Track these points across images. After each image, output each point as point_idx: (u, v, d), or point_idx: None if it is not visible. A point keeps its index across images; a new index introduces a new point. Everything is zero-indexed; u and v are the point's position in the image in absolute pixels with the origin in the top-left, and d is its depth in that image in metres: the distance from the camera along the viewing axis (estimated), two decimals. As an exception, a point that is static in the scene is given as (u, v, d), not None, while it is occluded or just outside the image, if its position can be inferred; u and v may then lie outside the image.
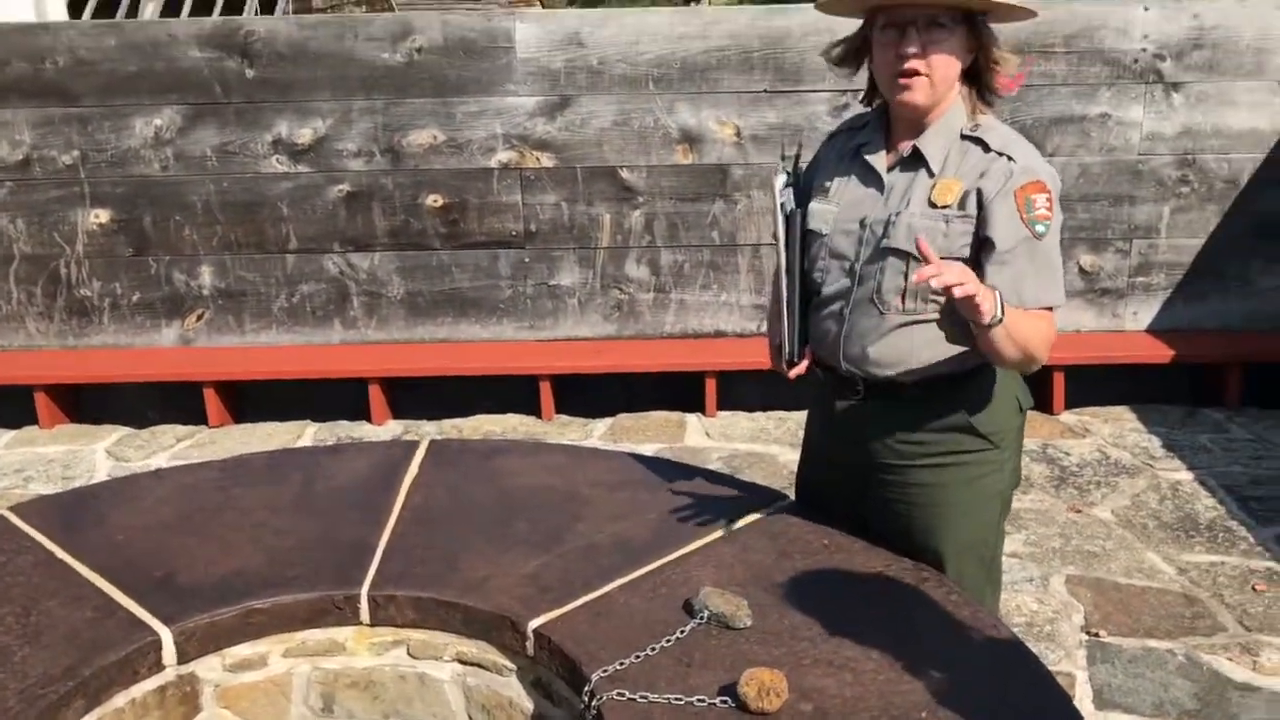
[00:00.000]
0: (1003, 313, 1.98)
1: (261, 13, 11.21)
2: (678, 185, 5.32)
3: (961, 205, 2.09)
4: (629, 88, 5.20)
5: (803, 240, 2.26)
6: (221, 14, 10.11)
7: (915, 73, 2.07)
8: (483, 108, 5.24)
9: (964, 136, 2.12)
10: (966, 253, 2.10)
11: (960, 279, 1.91)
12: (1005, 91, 2.16)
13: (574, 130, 5.25)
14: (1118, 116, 5.18)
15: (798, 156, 2.33)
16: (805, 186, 2.31)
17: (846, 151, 2.27)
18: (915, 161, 2.15)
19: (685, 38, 5.14)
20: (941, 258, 2.06)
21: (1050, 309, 2.12)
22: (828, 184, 2.26)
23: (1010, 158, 2.08)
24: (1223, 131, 5.19)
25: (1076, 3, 5.17)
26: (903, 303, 2.14)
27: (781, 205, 2.25)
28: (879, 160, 2.20)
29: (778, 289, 2.31)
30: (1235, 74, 5.12)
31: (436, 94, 5.22)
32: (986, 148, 2.10)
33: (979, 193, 2.08)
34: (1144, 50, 5.09)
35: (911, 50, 2.05)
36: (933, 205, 2.11)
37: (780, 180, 2.27)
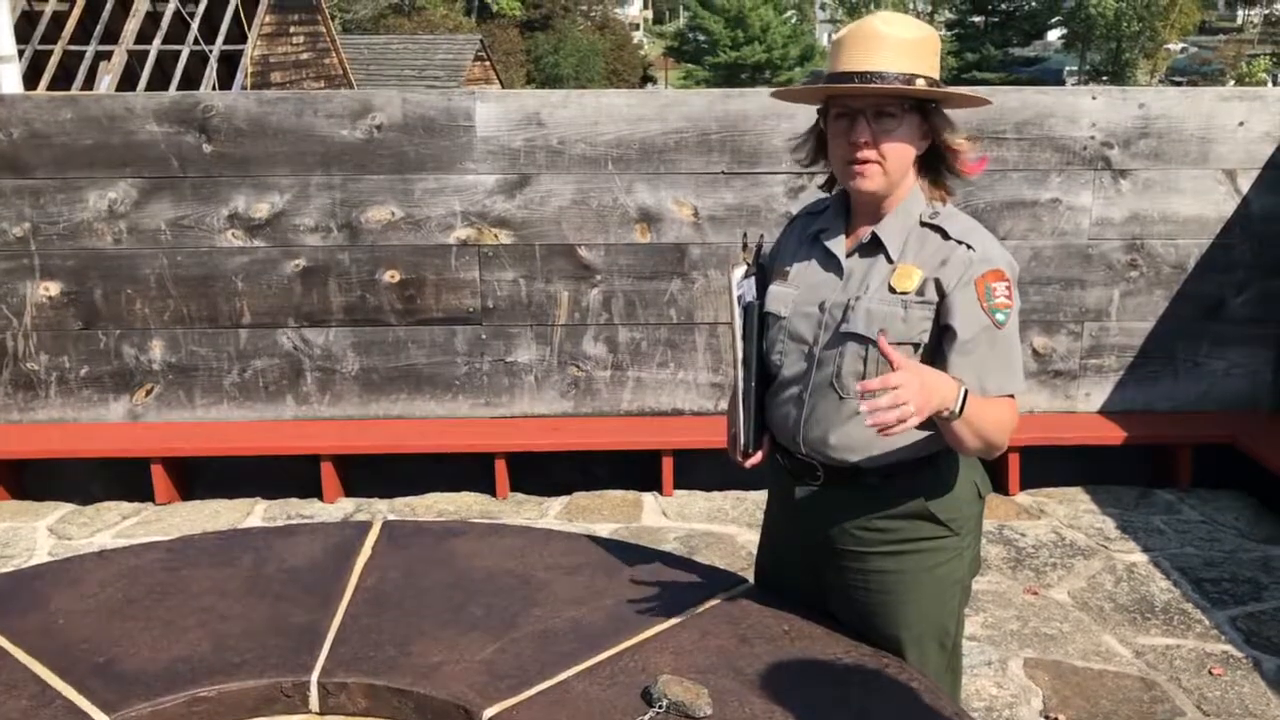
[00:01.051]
0: (961, 408, 1.98)
1: (220, 88, 11.23)
2: (636, 264, 5.34)
3: (920, 292, 2.10)
4: (588, 167, 5.24)
5: (761, 323, 2.27)
6: (179, 89, 10.12)
7: (868, 160, 2.09)
8: (442, 185, 5.25)
9: (923, 224, 2.14)
10: (925, 338, 2.11)
11: (900, 414, 1.84)
12: (970, 174, 2.19)
13: (533, 208, 5.27)
14: (1068, 202, 5.28)
15: (759, 247, 2.34)
16: (767, 268, 2.32)
17: (806, 236, 2.29)
18: (874, 248, 2.17)
19: (644, 119, 5.19)
20: (900, 343, 2.08)
21: (1012, 395, 2.13)
22: (788, 268, 2.27)
23: (969, 245, 2.10)
24: (1169, 218, 5.30)
25: (1027, 91, 5.29)
26: None
27: (740, 297, 2.26)
28: (838, 245, 2.21)
29: (735, 379, 2.31)
30: (1181, 162, 5.25)
31: (395, 171, 5.23)
32: (946, 235, 2.12)
33: (938, 281, 2.09)
34: (1092, 138, 5.21)
35: (862, 139, 2.08)
36: (892, 291, 2.12)
37: (739, 272, 2.28)
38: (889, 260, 2.14)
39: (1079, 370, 5.47)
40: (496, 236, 5.30)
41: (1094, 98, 5.23)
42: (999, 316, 2.08)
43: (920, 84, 2.06)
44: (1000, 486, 5.21)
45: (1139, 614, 4.12)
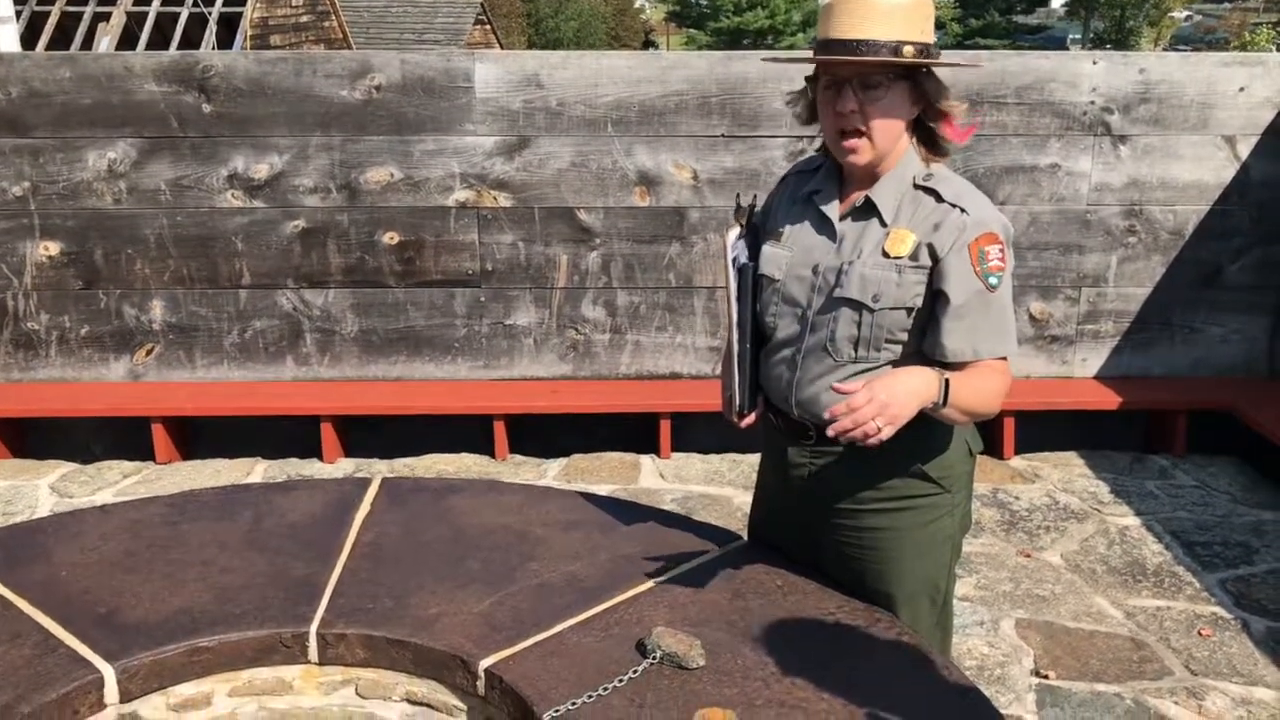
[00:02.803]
0: (945, 398, 2.01)
1: (219, 48, 11.18)
2: (634, 227, 5.35)
3: (914, 256, 2.11)
4: (587, 129, 5.23)
5: (755, 286, 2.28)
6: (178, 49, 10.07)
7: (856, 133, 2.09)
8: (441, 146, 5.25)
9: (916, 186, 2.14)
10: (919, 302, 2.12)
11: (865, 431, 1.89)
12: (956, 141, 2.18)
13: (532, 170, 5.27)
14: (1067, 167, 5.28)
15: (752, 207, 2.34)
16: (759, 227, 2.33)
17: (800, 196, 2.29)
18: (867, 211, 2.17)
19: (644, 81, 5.18)
20: (894, 308, 2.11)
21: (1004, 358, 2.15)
22: (781, 229, 2.28)
23: (963, 209, 2.10)
24: (1168, 184, 5.30)
25: (1028, 55, 5.27)
26: (855, 350, 2.16)
27: (734, 259, 2.26)
28: (832, 209, 2.22)
29: (730, 341, 2.32)
30: (1180, 128, 5.24)
31: (394, 132, 5.23)
32: (939, 198, 2.12)
33: (931, 246, 2.10)
34: (1092, 103, 5.20)
35: (849, 108, 2.08)
36: (885, 255, 2.12)
37: (733, 234, 2.28)
38: (882, 224, 2.15)
39: (1075, 336, 5.49)
40: (495, 199, 5.30)
41: (1095, 62, 5.22)
42: (991, 280, 2.08)
43: (908, 51, 2.04)
44: (995, 450, 5.24)
45: (1130, 576, 4.15)
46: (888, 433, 1.91)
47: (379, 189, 5.29)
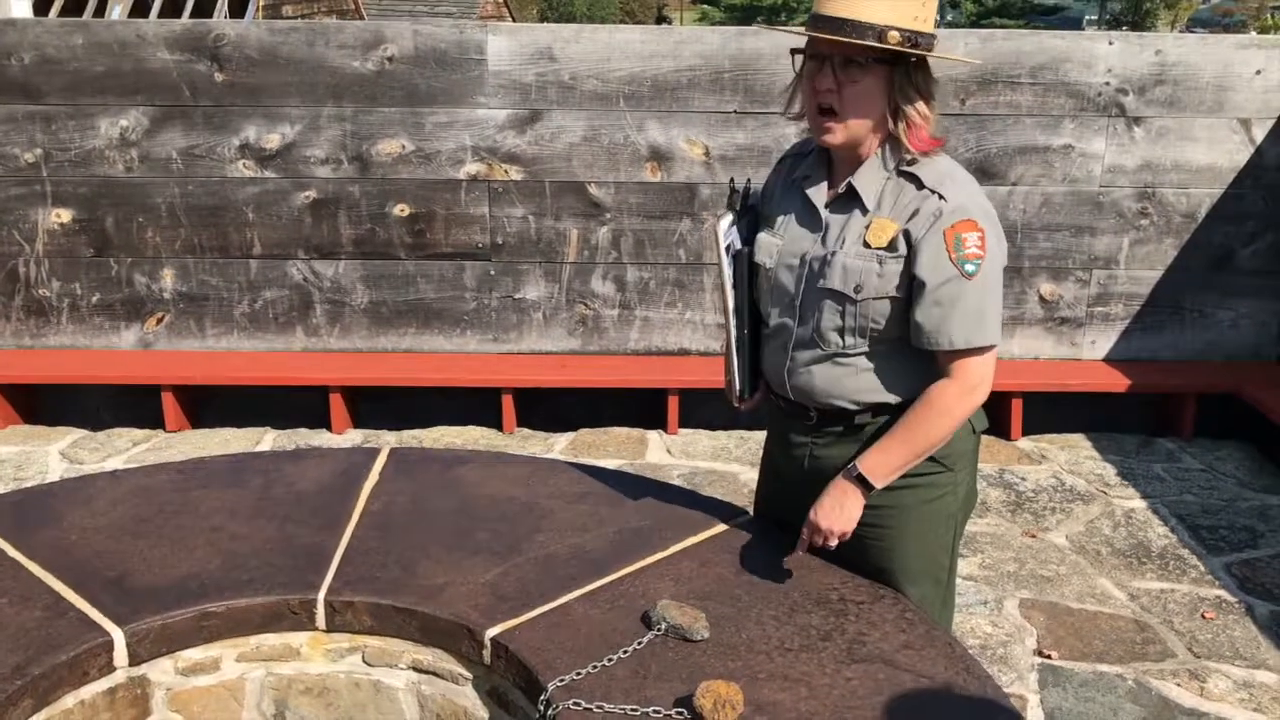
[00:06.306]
0: (872, 484, 2.16)
1: (231, 18, 11.15)
2: (645, 202, 5.34)
3: (893, 246, 2.09)
4: (600, 104, 5.22)
5: (751, 270, 2.28)
6: (191, 18, 10.06)
7: (831, 112, 2.07)
8: (452, 119, 5.24)
9: (900, 173, 2.11)
10: (901, 292, 2.11)
11: (823, 545, 2.20)
12: (916, 149, 2.08)
13: (543, 144, 5.26)
14: (1080, 148, 5.25)
15: (747, 191, 2.33)
16: (758, 210, 2.33)
17: (791, 183, 2.27)
18: (850, 199, 2.15)
19: (657, 56, 5.17)
20: (876, 298, 2.10)
21: (983, 349, 2.10)
22: (775, 215, 2.27)
23: (941, 195, 2.06)
24: (1182, 166, 5.28)
25: (1043, 35, 5.24)
26: (842, 339, 2.16)
27: (727, 247, 2.26)
28: (818, 195, 2.20)
29: (728, 328, 2.33)
30: (1195, 110, 5.22)
31: (406, 103, 5.22)
32: (920, 184, 2.08)
33: (907, 233, 2.07)
34: (1107, 84, 5.18)
35: (825, 86, 2.05)
36: (867, 246, 2.10)
37: (725, 221, 2.26)
38: (864, 212, 2.12)
39: (1085, 318, 5.48)
40: (507, 172, 5.30)
41: (1110, 43, 5.19)
42: (968, 267, 2.04)
43: (893, 37, 1.99)
44: (1002, 431, 5.24)
45: (1135, 558, 4.16)
46: (842, 538, 2.19)
47: (390, 161, 5.28)
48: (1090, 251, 5.38)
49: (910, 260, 2.08)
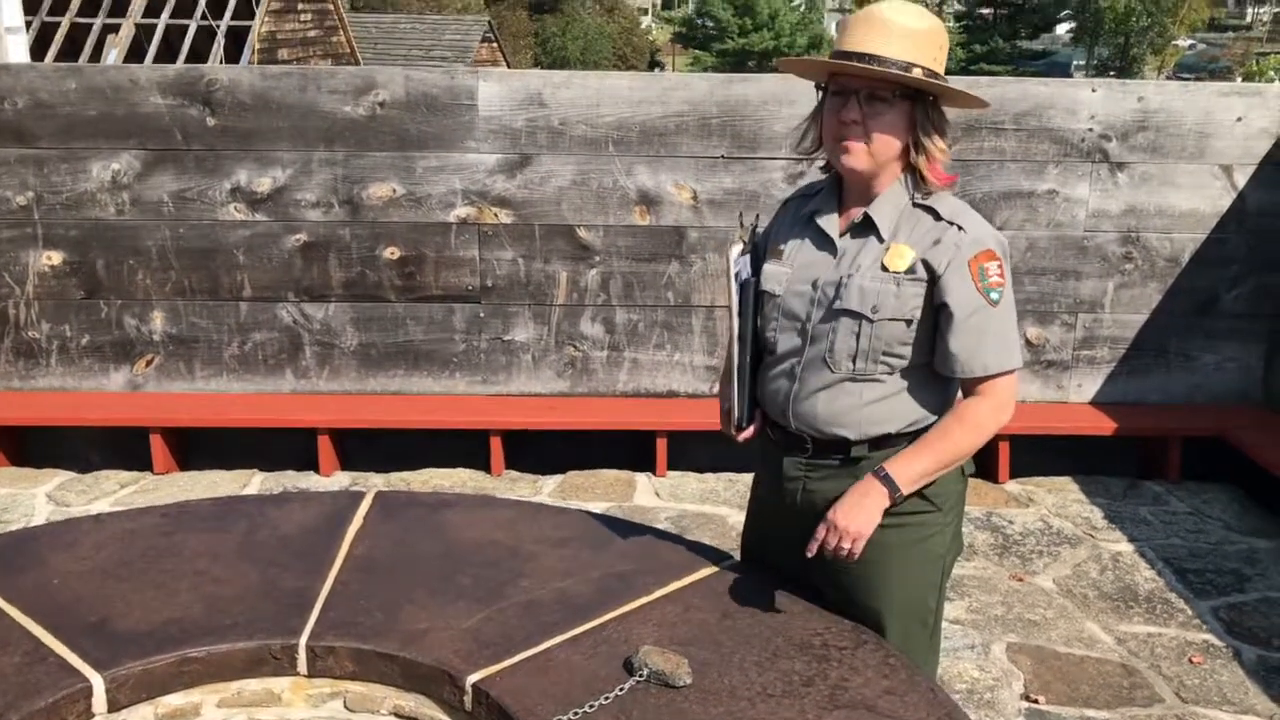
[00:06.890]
0: (896, 488, 2.19)
1: (226, 63, 11.24)
2: (634, 245, 5.37)
3: (912, 271, 2.16)
4: (589, 148, 5.26)
5: (756, 302, 2.32)
6: (185, 63, 10.13)
7: (855, 139, 2.14)
8: (443, 163, 5.28)
9: (915, 204, 2.19)
10: (917, 314, 2.18)
11: (837, 551, 2.19)
12: (938, 183, 2.20)
13: (533, 188, 5.30)
14: (1065, 193, 5.30)
15: (755, 225, 2.39)
16: (760, 248, 2.37)
17: (800, 217, 2.34)
18: (866, 228, 2.22)
19: (645, 102, 5.22)
20: (893, 319, 2.17)
21: (1009, 372, 2.21)
22: (782, 247, 2.32)
23: (960, 227, 2.16)
24: (1165, 211, 5.33)
25: (1027, 82, 5.31)
26: (854, 363, 2.20)
27: (736, 274, 2.32)
28: (831, 225, 2.26)
29: (730, 355, 2.36)
30: (1178, 156, 5.27)
31: (397, 148, 5.26)
32: (937, 216, 2.18)
33: (927, 262, 2.15)
34: (1090, 130, 5.23)
35: (851, 118, 2.13)
36: (884, 269, 2.18)
37: (735, 250, 2.34)
38: (880, 240, 2.20)
39: (1071, 361, 5.51)
40: (496, 215, 5.33)
41: (1094, 90, 5.25)
42: (993, 295, 2.15)
43: (917, 73, 2.10)
44: (990, 474, 5.25)
45: (1122, 602, 4.16)
46: (859, 548, 2.18)
47: (381, 204, 5.31)
48: (1075, 295, 5.42)
49: (936, 290, 2.16)
